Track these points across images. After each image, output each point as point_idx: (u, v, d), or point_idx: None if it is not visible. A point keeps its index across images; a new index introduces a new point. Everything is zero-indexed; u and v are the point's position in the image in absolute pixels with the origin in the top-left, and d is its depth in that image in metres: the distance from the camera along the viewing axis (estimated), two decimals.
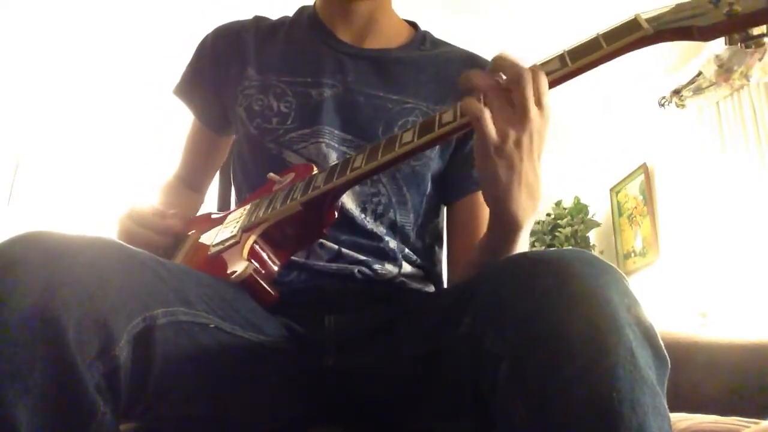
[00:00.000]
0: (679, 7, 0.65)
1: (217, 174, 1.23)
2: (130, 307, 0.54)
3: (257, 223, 0.80)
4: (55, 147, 3.87)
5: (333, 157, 0.88)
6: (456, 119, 0.68)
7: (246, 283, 0.74)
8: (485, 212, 0.97)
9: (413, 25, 1.06)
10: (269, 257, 0.79)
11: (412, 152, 0.72)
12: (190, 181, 1.13)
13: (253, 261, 0.76)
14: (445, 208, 1.00)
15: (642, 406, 0.46)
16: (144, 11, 2.89)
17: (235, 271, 0.74)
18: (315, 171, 0.84)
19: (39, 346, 0.48)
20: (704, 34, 0.62)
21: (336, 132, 0.90)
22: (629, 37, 0.64)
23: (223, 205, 1.29)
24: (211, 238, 0.87)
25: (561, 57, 0.68)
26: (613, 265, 0.55)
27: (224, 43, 1.01)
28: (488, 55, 1.02)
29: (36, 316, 0.48)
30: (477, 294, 0.60)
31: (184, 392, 0.62)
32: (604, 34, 0.66)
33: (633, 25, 0.64)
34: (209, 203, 1.18)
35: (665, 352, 0.52)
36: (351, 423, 0.75)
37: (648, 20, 0.64)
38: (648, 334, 0.50)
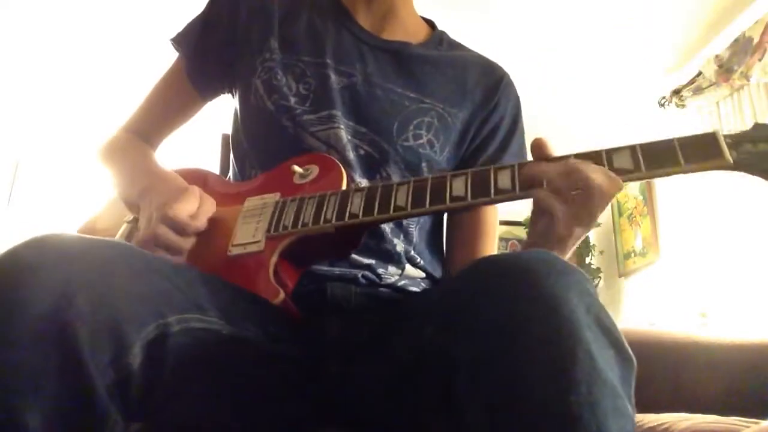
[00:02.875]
0: (758, 134, 0.65)
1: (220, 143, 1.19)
2: (144, 314, 0.54)
3: (284, 236, 0.76)
4: (55, 147, 3.87)
5: (349, 148, 0.86)
6: (515, 190, 0.68)
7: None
8: (490, 228, 0.96)
9: (430, 23, 1.05)
10: (290, 272, 0.77)
11: (460, 208, 0.72)
12: (148, 137, 1.04)
13: (279, 281, 0.74)
14: (444, 215, 0.99)
15: (602, 408, 0.45)
16: (144, 12, 2.89)
17: (264, 292, 0.72)
18: (344, 179, 0.80)
19: (53, 354, 0.47)
20: None
21: (351, 124, 0.88)
22: (709, 162, 0.64)
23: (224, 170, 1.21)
24: (225, 225, 0.81)
25: (632, 150, 0.68)
26: (574, 265, 0.53)
27: (248, 6, 0.96)
28: (496, 56, 1.03)
29: (51, 323, 0.48)
30: (441, 299, 0.60)
31: (191, 398, 0.62)
32: (681, 143, 0.66)
33: (713, 146, 0.64)
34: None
35: (629, 351, 0.51)
36: (352, 425, 0.75)
37: (728, 144, 0.64)
38: (610, 335, 0.49)
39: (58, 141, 3.84)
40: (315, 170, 0.83)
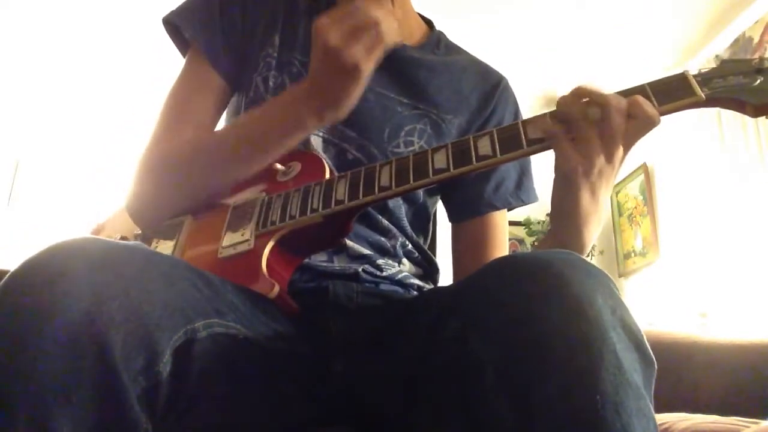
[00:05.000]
0: (726, 68, 0.65)
1: None
2: (174, 320, 0.54)
3: (273, 231, 0.76)
4: (55, 147, 3.87)
5: (337, 152, 0.86)
6: (496, 154, 0.67)
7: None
8: (498, 234, 0.95)
9: (428, 22, 1.03)
10: (283, 266, 0.77)
11: (446, 179, 0.70)
12: None
13: (274, 276, 0.73)
14: (436, 207, 0.99)
15: (626, 409, 0.45)
16: (144, 13, 2.89)
17: (259, 288, 0.72)
18: (327, 170, 0.80)
19: (86, 362, 0.47)
20: (757, 111, 0.63)
21: (340, 127, 0.87)
22: (681, 101, 0.64)
23: None
24: (213, 229, 0.81)
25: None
26: (599, 267, 0.54)
27: (255, 1, 0.94)
28: (494, 57, 1.02)
29: (84, 330, 0.47)
30: (465, 297, 0.59)
31: (211, 404, 0.61)
32: (652, 88, 0.66)
33: (684, 85, 0.65)
34: None
35: (652, 354, 0.51)
36: (359, 423, 0.75)
37: (698, 81, 0.65)
38: (633, 337, 0.50)
39: (58, 141, 3.85)
40: (297, 167, 0.83)
